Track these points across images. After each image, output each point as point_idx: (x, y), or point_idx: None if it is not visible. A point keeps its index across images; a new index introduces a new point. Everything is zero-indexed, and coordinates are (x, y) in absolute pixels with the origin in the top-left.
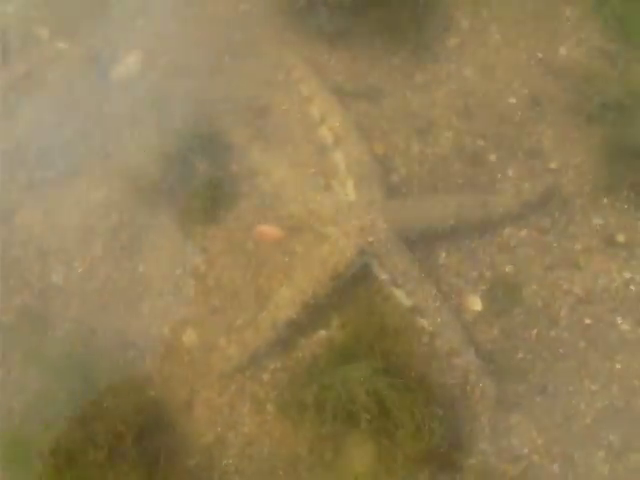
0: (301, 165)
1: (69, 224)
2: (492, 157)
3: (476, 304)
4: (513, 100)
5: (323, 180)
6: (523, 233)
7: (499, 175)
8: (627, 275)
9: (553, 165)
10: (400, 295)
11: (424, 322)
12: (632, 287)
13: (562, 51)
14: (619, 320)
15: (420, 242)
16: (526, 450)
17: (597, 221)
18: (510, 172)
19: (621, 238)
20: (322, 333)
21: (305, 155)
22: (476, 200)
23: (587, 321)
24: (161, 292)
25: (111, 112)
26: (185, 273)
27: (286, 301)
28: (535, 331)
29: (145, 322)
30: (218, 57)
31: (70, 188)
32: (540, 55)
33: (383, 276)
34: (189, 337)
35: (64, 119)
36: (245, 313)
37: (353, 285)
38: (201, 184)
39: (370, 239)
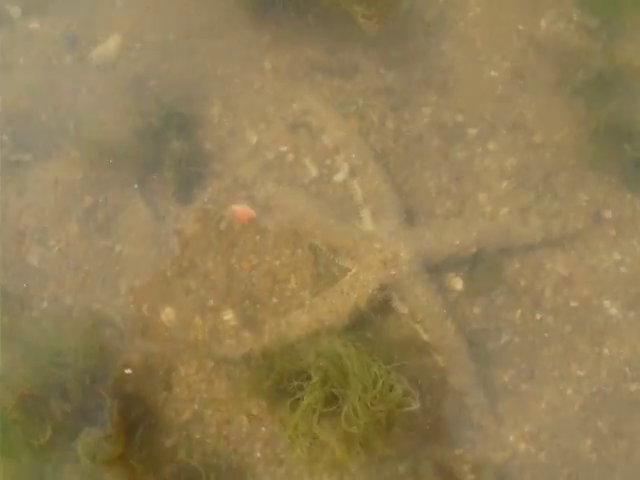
0: (273, 142)
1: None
2: (472, 132)
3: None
4: (494, 73)
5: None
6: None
7: (479, 149)
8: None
9: (536, 139)
10: (419, 330)
11: (438, 358)
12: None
13: (543, 24)
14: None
15: None
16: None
17: (583, 197)
18: (491, 146)
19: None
20: None
21: (277, 133)
22: (499, 230)
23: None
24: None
25: (88, 94)
26: (160, 253)
27: (300, 325)
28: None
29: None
30: (194, 37)
31: (45, 170)
32: (521, 27)
33: (403, 310)
34: (167, 316)
35: (39, 100)
36: (216, 294)
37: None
38: (176, 164)
39: (392, 272)
